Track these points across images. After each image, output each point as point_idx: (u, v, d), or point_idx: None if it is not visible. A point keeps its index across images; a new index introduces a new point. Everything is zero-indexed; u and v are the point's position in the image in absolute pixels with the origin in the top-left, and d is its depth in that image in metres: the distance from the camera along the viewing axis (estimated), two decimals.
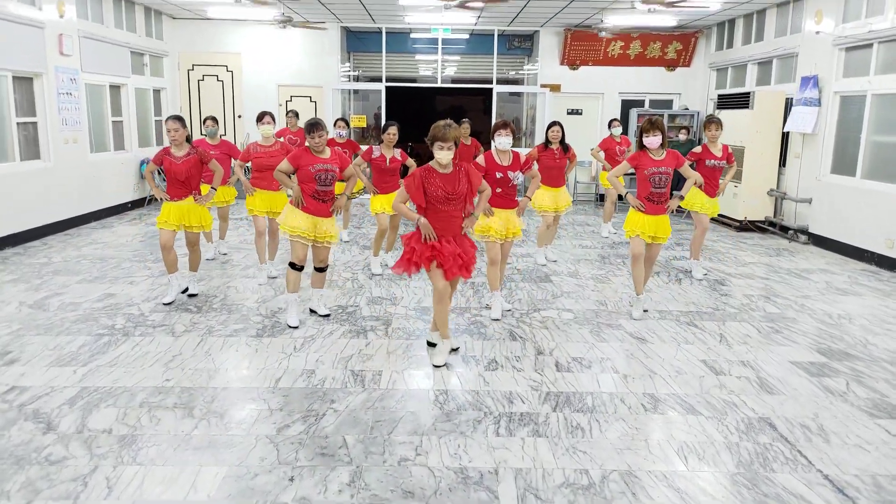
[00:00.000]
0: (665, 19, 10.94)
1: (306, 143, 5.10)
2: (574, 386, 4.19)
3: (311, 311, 5.51)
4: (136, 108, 10.92)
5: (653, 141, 5.38)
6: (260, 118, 6.58)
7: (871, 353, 4.91)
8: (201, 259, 6.09)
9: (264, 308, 5.66)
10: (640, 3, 8.26)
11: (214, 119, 7.45)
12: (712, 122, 6.92)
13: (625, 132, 12.67)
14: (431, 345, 4.76)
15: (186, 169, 5.59)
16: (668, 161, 5.42)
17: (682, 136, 11.25)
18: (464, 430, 3.59)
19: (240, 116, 12.53)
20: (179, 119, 5.60)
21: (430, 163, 4.46)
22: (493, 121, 12.88)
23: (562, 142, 7.11)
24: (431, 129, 4.41)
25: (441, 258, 4.35)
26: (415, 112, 16.25)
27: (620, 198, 10.04)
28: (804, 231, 9.10)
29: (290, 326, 5.17)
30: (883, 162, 7.85)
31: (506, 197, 5.47)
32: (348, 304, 5.81)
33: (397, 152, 6.84)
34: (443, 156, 4.37)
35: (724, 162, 6.90)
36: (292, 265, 5.19)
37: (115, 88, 10.35)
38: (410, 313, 5.61)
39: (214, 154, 7.05)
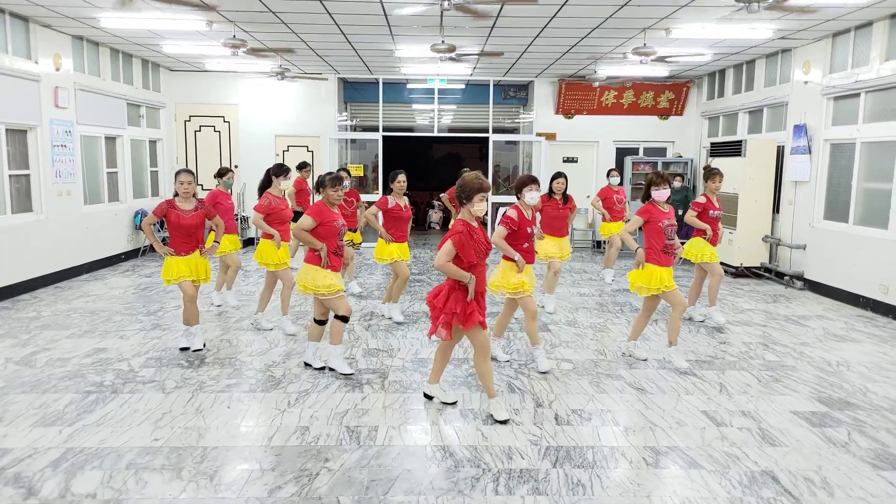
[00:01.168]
0: (657, 70, 11.17)
1: (321, 197, 5.10)
2: (574, 440, 4.10)
3: (306, 364, 5.42)
4: (131, 160, 10.97)
5: (662, 193, 5.42)
6: (286, 172, 6.60)
7: (871, 401, 4.85)
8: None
9: (258, 361, 5.56)
10: (632, 54, 8.46)
11: (232, 171, 7.62)
12: (716, 174, 6.88)
13: (620, 182, 12.81)
14: (429, 397, 4.68)
15: (197, 223, 5.61)
16: (671, 214, 5.49)
17: (678, 183, 11.35)
18: (462, 489, 3.48)
19: (236, 166, 12.61)
20: (192, 172, 5.67)
21: (462, 217, 4.34)
22: (490, 169, 13.18)
23: (564, 193, 7.16)
24: (468, 181, 4.27)
25: (478, 315, 4.28)
26: (412, 161, 16.47)
27: (600, 245, 10.04)
28: (800, 277, 9.10)
29: (344, 374, 5.21)
30: (874, 208, 7.90)
31: (530, 252, 5.36)
32: (344, 357, 5.70)
33: (407, 199, 6.87)
34: (483, 207, 4.30)
35: (720, 212, 6.94)
36: (320, 322, 5.26)
37: (110, 140, 10.42)
38: (407, 365, 5.52)
39: (229, 205, 7.25)
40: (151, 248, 11.51)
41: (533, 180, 5.37)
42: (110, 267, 10.11)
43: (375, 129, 13.03)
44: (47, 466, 3.67)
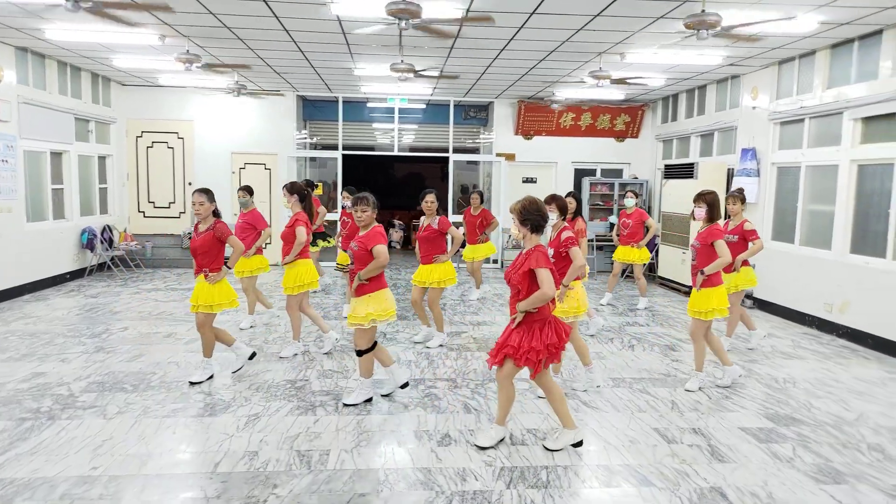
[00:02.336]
0: (613, 93, 11.43)
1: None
2: (528, 460, 4.07)
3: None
4: (78, 176, 10.63)
5: (695, 212, 5.52)
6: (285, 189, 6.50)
7: (815, 416, 4.97)
8: (213, 343, 5.51)
9: (207, 385, 5.39)
10: (589, 78, 8.62)
11: (248, 190, 7.36)
12: (728, 196, 6.64)
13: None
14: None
15: (201, 245, 5.28)
16: (702, 235, 5.48)
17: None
18: None
19: (190, 184, 12.34)
20: (206, 192, 5.31)
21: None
22: (451, 188, 13.17)
23: (575, 212, 6.83)
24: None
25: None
26: (371, 180, 16.42)
27: (624, 272, 9.77)
28: (749, 295, 9.32)
29: (346, 405, 5.00)
30: (818, 229, 8.17)
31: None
32: (297, 379, 5.59)
33: (435, 220, 6.68)
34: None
35: (735, 237, 6.58)
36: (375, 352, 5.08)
37: (56, 155, 10.07)
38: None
39: (240, 223, 6.99)
40: (100, 268, 11.17)
41: (552, 199, 5.13)
42: (54, 287, 9.74)
43: (335, 148, 12.96)
44: None
